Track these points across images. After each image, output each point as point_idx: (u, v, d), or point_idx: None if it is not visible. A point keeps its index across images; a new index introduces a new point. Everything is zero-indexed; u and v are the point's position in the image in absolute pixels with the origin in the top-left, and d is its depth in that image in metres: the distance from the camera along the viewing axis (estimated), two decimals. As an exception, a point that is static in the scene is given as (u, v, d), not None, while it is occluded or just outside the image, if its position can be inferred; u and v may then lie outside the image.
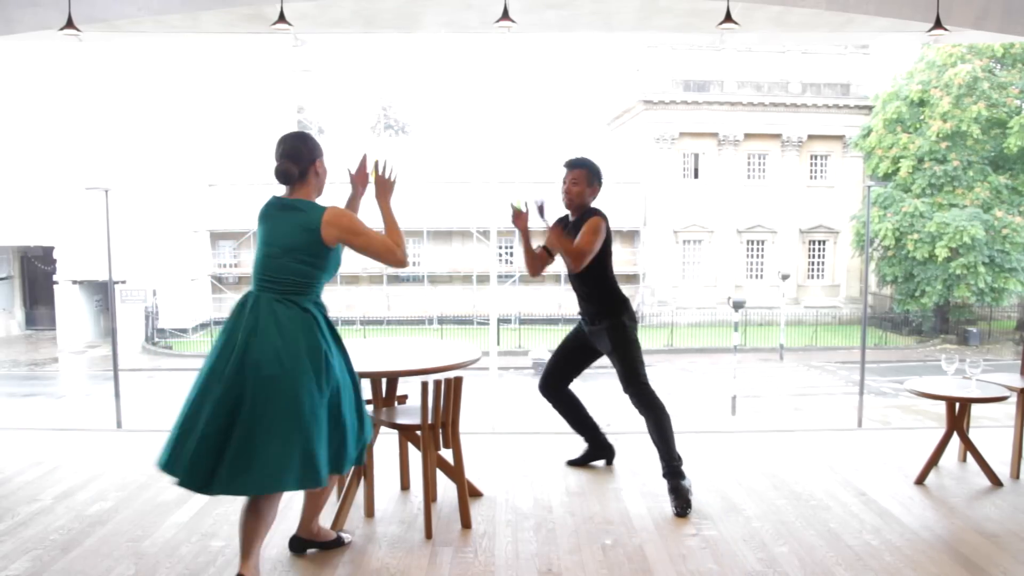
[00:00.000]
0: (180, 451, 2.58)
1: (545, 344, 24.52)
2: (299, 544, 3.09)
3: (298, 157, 2.71)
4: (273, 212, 2.73)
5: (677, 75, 30.95)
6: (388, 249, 2.75)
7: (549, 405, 4.12)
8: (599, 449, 4.17)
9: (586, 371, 4.11)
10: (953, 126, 26.24)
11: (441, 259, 30.82)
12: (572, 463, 4.16)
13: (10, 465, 4.21)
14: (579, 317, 4.04)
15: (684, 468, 3.64)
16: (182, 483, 2.60)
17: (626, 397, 3.77)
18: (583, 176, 3.79)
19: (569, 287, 4.11)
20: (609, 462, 4.18)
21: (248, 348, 2.60)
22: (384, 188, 2.94)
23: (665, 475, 3.61)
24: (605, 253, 3.78)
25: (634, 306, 4.00)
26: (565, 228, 3.80)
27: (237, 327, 2.66)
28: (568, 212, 3.86)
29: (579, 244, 3.62)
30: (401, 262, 2.77)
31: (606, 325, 3.78)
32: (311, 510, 3.05)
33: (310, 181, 2.75)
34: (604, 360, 3.95)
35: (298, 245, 2.66)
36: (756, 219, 31.43)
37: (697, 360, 26.04)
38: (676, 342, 27.67)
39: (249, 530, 2.71)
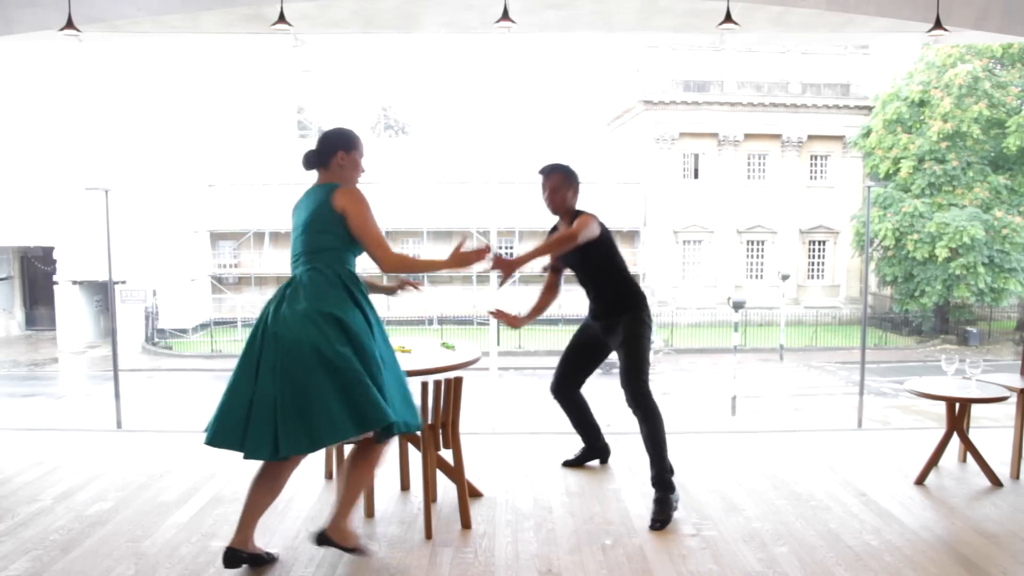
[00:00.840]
0: (229, 424, 2.74)
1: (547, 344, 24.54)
2: (322, 540, 2.91)
3: (322, 145, 2.95)
4: (301, 199, 2.98)
5: (677, 75, 30.95)
6: (380, 244, 2.86)
7: (558, 406, 4.09)
8: (596, 451, 4.18)
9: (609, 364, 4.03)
10: (953, 126, 26.25)
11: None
12: (568, 464, 4.17)
13: (10, 465, 4.22)
14: (587, 315, 3.95)
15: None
16: (247, 455, 2.74)
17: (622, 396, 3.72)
18: (560, 180, 3.76)
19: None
20: (604, 461, 4.19)
21: (272, 320, 2.78)
22: (464, 261, 2.96)
23: (654, 484, 3.53)
24: (611, 249, 3.76)
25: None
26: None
27: (269, 305, 2.85)
28: (557, 218, 3.85)
29: (571, 229, 3.58)
30: (384, 261, 2.87)
31: (624, 317, 3.71)
32: (346, 502, 2.89)
33: (332, 170, 2.94)
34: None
35: (315, 217, 2.85)
36: (756, 219, 31.43)
37: (697, 360, 26.04)
38: (676, 342, 27.67)
39: (254, 500, 2.85)
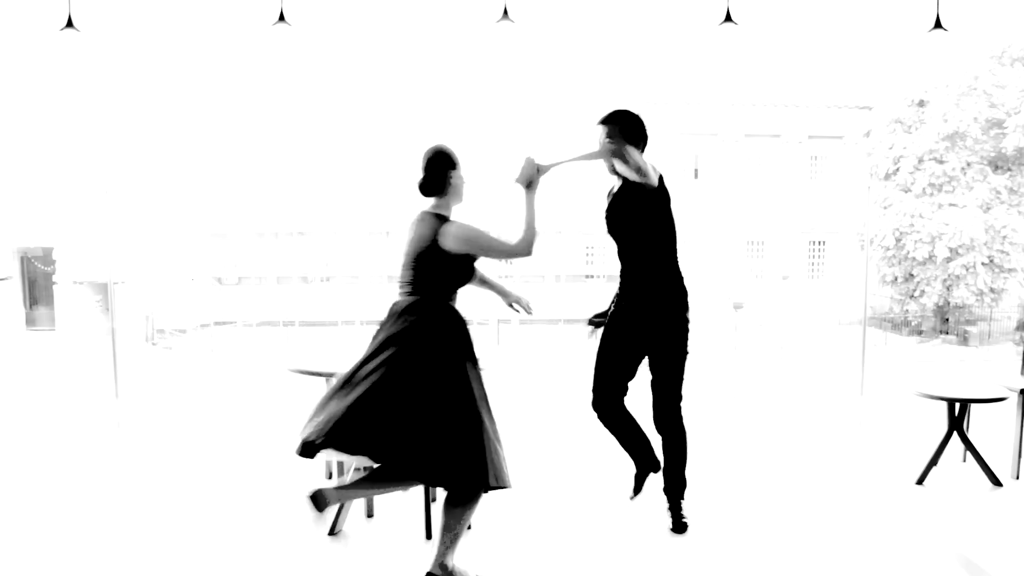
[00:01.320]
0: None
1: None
2: None
3: (433, 170, 2.94)
4: (414, 222, 2.97)
5: (677, 75, 30.98)
6: (507, 251, 2.92)
7: (601, 424, 3.45)
8: (650, 467, 3.51)
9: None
10: (953, 126, 26.29)
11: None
12: (634, 496, 3.57)
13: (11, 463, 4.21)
14: (614, 304, 3.39)
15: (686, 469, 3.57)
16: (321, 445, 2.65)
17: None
18: (616, 133, 3.22)
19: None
20: (656, 470, 3.52)
21: (379, 345, 2.79)
22: (529, 184, 3.00)
23: (665, 491, 3.42)
24: (666, 220, 3.22)
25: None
26: (608, 198, 3.40)
27: (380, 330, 2.87)
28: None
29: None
30: (520, 254, 2.91)
31: (673, 323, 3.22)
32: (442, 542, 2.77)
33: (447, 192, 2.96)
34: None
35: (420, 252, 2.87)
36: (756, 219, 31.45)
37: (696, 360, 26.02)
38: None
39: (370, 482, 2.73)
